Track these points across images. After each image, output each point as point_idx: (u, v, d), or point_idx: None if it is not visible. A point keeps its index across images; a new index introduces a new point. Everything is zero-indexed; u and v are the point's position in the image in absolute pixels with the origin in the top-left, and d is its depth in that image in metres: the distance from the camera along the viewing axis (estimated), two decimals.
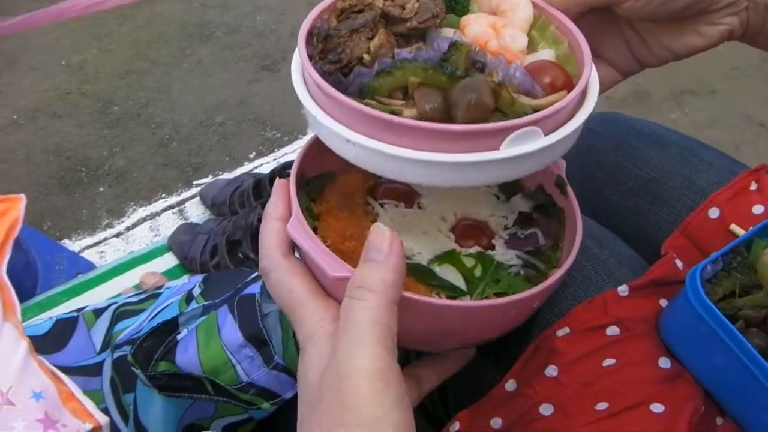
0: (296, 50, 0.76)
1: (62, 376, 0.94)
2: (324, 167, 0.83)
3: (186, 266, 1.86)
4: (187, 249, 1.86)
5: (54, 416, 0.89)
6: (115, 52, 3.00)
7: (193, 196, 2.32)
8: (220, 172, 2.43)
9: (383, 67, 0.71)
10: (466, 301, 0.72)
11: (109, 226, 2.28)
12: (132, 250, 2.14)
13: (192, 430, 1.12)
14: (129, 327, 1.23)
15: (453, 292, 0.73)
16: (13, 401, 0.89)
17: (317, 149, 0.80)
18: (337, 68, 0.72)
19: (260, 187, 2.00)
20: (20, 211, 1.09)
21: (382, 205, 0.80)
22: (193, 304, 1.15)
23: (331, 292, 0.72)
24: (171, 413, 1.08)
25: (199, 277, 1.27)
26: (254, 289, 1.07)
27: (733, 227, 0.96)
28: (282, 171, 2.05)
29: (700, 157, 1.08)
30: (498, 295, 0.73)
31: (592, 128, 1.18)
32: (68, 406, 0.92)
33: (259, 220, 1.83)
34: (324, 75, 0.72)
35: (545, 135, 0.68)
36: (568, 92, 0.72)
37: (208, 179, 2.38)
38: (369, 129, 0.68)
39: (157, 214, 2.31)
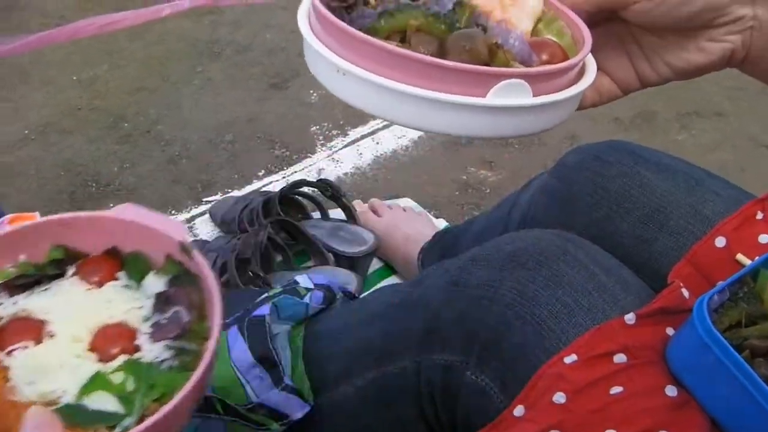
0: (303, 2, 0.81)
1: None
2: None
3: None
4: None
5: None
6: (126, 68, 3.02)
7: (202, 213, 2.33)
8: (230, 190, 2.44)
9: (387, 9, 0.74)
10: None
11: None
12: None
13: None
14: None
15: (112, 420, 0.66)
16: None
17: None
18: (342, 6, 0.76)
19: (270, 206, 2.01)
20: None
21: (11, 353, 0.71)
22: None
23: None
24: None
25: None
26: (264, 310, 1.08)
27: (740, 257, 0.97)
28: (291, 189, 2.07)
29: (707, 187, 1.10)
30: (157, 401, 0.67)
31: (599, 155, 1.19)
32: None
33: (269, 239, 1.85)
34: (329, 9, 0.75)
35: (534, 96, 0.70)
36: None
37: (218, 197, 2.39)
38: (361, 59, 0.71)
39: None
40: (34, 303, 0.75)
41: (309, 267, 1.92)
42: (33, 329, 0.72)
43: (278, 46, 3.19)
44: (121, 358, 0.71)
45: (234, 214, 2.16)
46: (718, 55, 0.87)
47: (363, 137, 2.75)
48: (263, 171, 2.56)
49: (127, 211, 0.79)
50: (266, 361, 1.04)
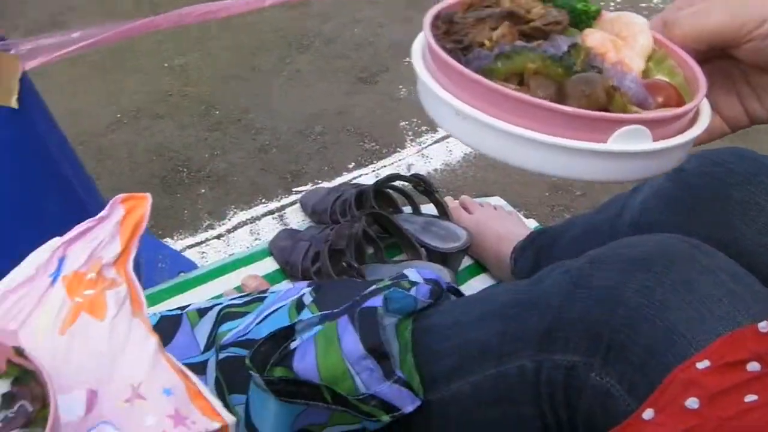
0: (421, 33, 0.78)
1: (189, 373, 0.95)
2: None
3: (287, 271, 1.87)
4: (288, 254, 1.87)
5: (183, 413, 0.90)
6: (217, 57, 3.04)
7: (292, 203, 2.33)
8: (320, 181, 2.44)
9: (503, 51, 0.72)
10: None
11: (210, 227, 2.31)
12: (232, 253, 2.16)
13: None
14: (234, 329, 1.24)
15: None
16: (144, 396, 0.90)
17: None
18: (458, 47, 0.74)
19: (363, 198, 2.00)
20: (146, 209, 1.10)
21: None
22: (306, 312, 1.15)
23: None
24: (284, 417, 1.08)
25: (303, 284, 1.27)
26: (376, 302, 1.07)
27: None
28: (385, 183, 2.06)
29: None
30: None
31: (721, 162, 1.16)
32: (196, 403, 0.92)
33: (364, 231, 1.84)
34: (444, 50, 0.73)
35: (653, 141, 0.69)
36: None
37: (308, 187, 2.39)
38: (479, 102, 0.69)
39: (258, 218, 2.33)
40: None
41: (401, 261, 1.91)
42: None
43: (366, 41, 3.19)
44: None
45: (326, 204, 2.16)
46: None
47: None
48: (353, 164, 2.56)
49: None
50: (377, 352, 1.02)
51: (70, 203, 1.81)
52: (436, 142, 2.69)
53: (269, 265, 1.90)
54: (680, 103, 0.74)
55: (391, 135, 2.68)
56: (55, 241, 1.09)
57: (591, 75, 0.70)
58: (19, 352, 0.85)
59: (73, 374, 0.97)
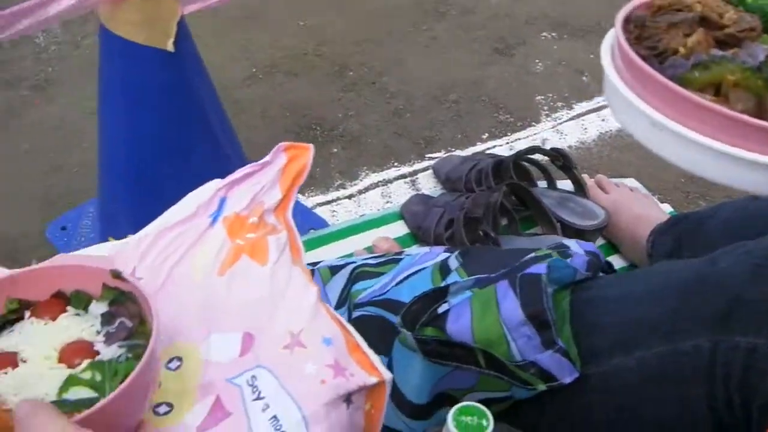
0: (609, 34, 0.79)
1: (348, 325, 0.94)
2: None
3: (418, 236, 1.85)
4: (421, 220, 1.85)
5: (342, 364, 0.88)
6: (352, 19, 3.03)
7: (425, 169, 2.31)
8: (453, 149, 2.42)
9: (701, 60, 0.71)
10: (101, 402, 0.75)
11: (342, 187, 2.31)
12: (363, 213, 2.15)
13: (441, 398, 1.10)
14: (369, 288, 1.22)
15: (90, 403, 0.76)
16: (305, 344, 0.89)
17: None
18: (653, 54, 0.73)
19: (502, 169, 1.97)
20: (308, 159, 1.09)
21: None
22: (454, 276, 1.13)
23: None
24: (428, 378, 1.06)
25: (440, 249, 1.26)
26: (539, 269, 1.04)
27: None
28: (525, 154, 2.02)
29: None
30: (122, 382, 0.77)
31: None
32: (354, 356, 0.91)
33: (501, 202, 1.81)
34: (638, 56, 0.72)
35: None
36: None
37: (441, 154, 2.37)
38: (674, 112, 0.68)
39: (389, 181, 2.31)
40: (3, 343, 0.85)
41: (535, 234, 1.87)
42: (7, 360, 0.83)
43: (502, 12, 3.14)
44: (86, 362, 0.82)
45: (460, 173, 2.13)
46: None
47: (588, 112, 2.67)
48: (487, 134, 2.52)
49: (59, 261, 0.92)
50: (537, 320, 1.00)
51: (214, 152, 1.82)
52: (571, 119, 2.64)
53: (400, 228, 1.88)
54: None
55: (525, 108, 2.64)
56: (216, 182, 1.09)
57: None
58: (116, 274, 0.88)
59: (229, 315, 0.97)
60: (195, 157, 1.77)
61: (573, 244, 1.13)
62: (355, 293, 1.23)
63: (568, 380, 1.00)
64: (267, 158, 1.07)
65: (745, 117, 0.65)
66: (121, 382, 0.79)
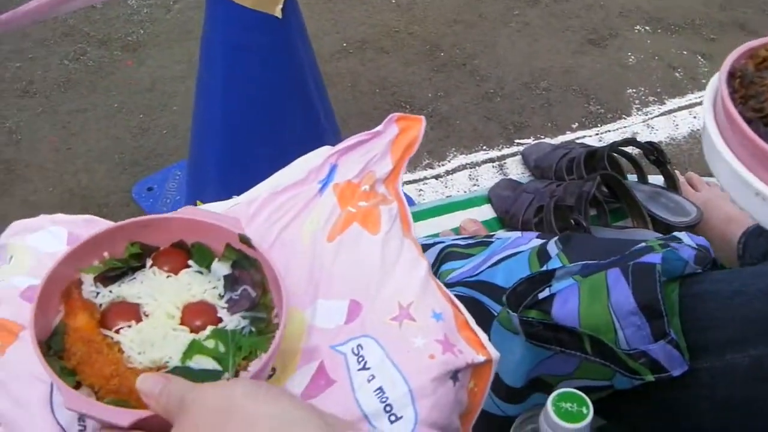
0: (712, 81, 0.76)
1: (458, 302, 0.92)
2: (49, 323, 0.83)
3: (505, 221, 1.83)
4: (509, 204, 1.83)
5: (451, 340, 0.87)
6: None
7: (513, 154, 2.30)
8: (542, 136, 2.39)
9: None
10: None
11: (429, 166, 2.30)
12: (449, 194, 2.14)
13: (536, 383, 1.09)
14: (458, 269, 1.21)
15: (214, 376, 0.79)
16: (414, 317, 0.88)
17: (39, 311, 0.80)
18: (759, 116, 0.71)
19: (595, 158, 1.94)
20: (420, 132, 1.08)
21: (118, 332, 0.81)
22: (555, 262, 1.12)
23: None
24: (527, 361, 1.05)
25: (532, 234, 1.24)
26: (653, 258, 1.02)
27: None
28: (619, 146, 1.98)
29: None
30: (245, 359, 0.80)
31: None
32: (463, 333, 0.89)
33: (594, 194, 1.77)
34: (743, 118, 0.70)
35: None
36: None
37: (530, 140, 2.35)
38: None
39: (477, 164, 2.30)
40: (125, 290, 0.86)
41: (625, 228, 1.84)
42: (131, 311, 0.84)
43: (597, 3, 3.10)
44: (209, 329, 0.83)
45: (551, 161, 2.10)
46: None
47: (680, 109, 2.62)
48: (576, 124, 2.49)
49: (189, 212, 0.92)
50: (649, 310, 0.98)
51: (309, 122, 1.82)
52: (662, 114, 2.59)
53: (486, 211, 1.87)
54: None
55: (617, 101, 2.60)
56: (327, 149, 1.08)
57: None
58: (244, 239, 0.89)
59: (336, 282, 0.96)
60: (290, 126, 1.77)
61: (684, 237, 1.10)
62: (444, 273, 1.22)
63: (677, 373, 0.97)
64: (379, 128, 1.06)
65: None
66: (244, 358, 0.81)
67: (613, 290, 1.00)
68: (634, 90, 2.67)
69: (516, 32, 2.88)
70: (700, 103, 2.65)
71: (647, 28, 2.98)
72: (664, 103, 2.64)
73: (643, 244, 1.08)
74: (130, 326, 0.82)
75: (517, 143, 2.35)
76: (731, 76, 0.75)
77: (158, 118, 2.58)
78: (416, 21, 2.88)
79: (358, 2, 2.96)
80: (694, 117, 2.58)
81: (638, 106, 2.61)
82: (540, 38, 2.86)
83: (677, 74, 2.77)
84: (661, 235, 1.12)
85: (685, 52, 2.87)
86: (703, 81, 2.74)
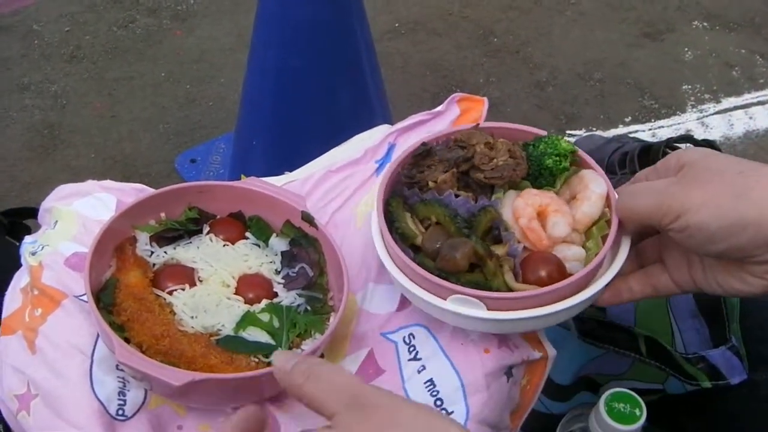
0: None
1: None
2: (101, 277, 0.83)
3: None
4: None
5: (507, 335, 0.84)
6: None
7: None
8: (594, 128, 2.35)
9: (424, 198, 0.81)
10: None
11: None
12: None
13: (584, 381, 1.06)
14: None
15: (267, 349, 0.79)
16: None
17: (94, 260, 0.80)
18: (409, 182, 0.84)
19: (650, 153, 1.90)
20: (482, 113, 1.05)
21: (171, 293, 0.82)
22: None
23: (177, 398, 0.78)
24: (578, 359, 1.03)
25: None
26: None
27: None
28: (675, 142, 1.94)
29: None
30: (299, 336, 0.81)
31: None
32: None
33: None
34: (404, 177, 0.84)
35: (488, 309, 0.76)
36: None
37: (581, 132, 2.30)
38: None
39: None
40: (181, 253, 0.86)
41: None
42: (185, 275, 0.84)
43: None
44: (264, 302, 0.83)
45: (603, 153, 2.05)
46: (759, 289, 0.73)
47: (736, 108, 2.57)
48: (630, 118, 2.45)
49: (253, 183, 0.92)
50: (710, 315, 0.94)
51: (360, 100, 1.79)
52: (717, 112, 2.54)
53: None
54: (560, 277, 0.76)
55: (671, 96, 2.55)
56: (386, 127, 1.05)
57: (462, 242, 0.77)
58: (307, 217, 0.89)
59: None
60: (341, 104, 1.74)
61: None
62: None
63: (736, 381, 0.95)
64: (440, 108, 1.03)
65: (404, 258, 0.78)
66: (298, 336, 0.81)
67: None
68: (689, 86, 2.62)
69: (571, 21, 2.83)
70: (757, 104, 2.59)
71: (705, 24, 2.92)
72: (720, 102, 2.59)
73: None
74: (183, 289, 0.82)
75: (569, 134, 2.31)
76: (424, 143, 0.86)
77: (205, 89, 2.56)
78: (470, 5, 2.84)
79: None
80: (750, 117, 2.53)
81: (693, 103, 2.56)
82: (595, 28, 2.81)
83: (734, 73, 2.71)
84: None
85: (743, 51, 2.80)
86: (761, 81, 2.68)
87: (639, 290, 0.82)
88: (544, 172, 0.83)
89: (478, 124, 0.89)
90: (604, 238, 0.79)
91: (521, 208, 0.79)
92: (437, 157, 0.84)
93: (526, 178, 0.83)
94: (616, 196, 0.79)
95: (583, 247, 0.80)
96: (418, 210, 0.81)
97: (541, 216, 0.80)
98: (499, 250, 0.78)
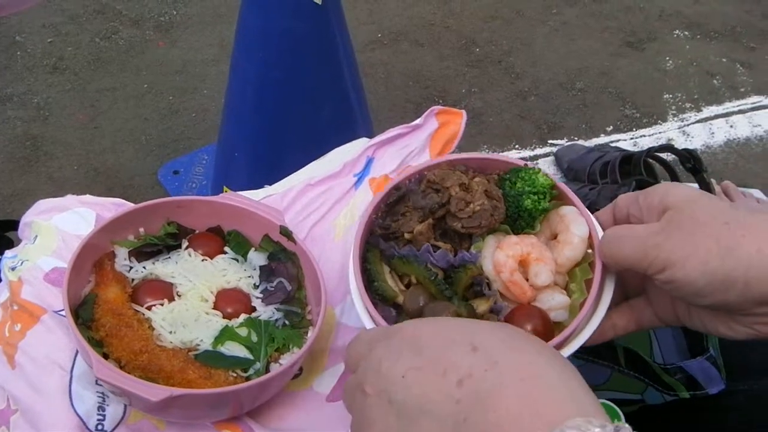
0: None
1: None
2: (80, 292, 0.83)
3: None
4: None
5: None
6: None
7: (546, 154, 2.26)
8: (576, 138, 2.35)
9: (402, 254, 0.78)
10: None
11: None
12: None
13: None
14: None
15: (245, 364, 0.80)
16: None
17: (72, 276, 0.80)
18: (384, 233, 0.80)
19: (631, 163, 1.91)
20: (460, 127, 1.06)
21: (149, 308, 0.82)
22: None
23: (156, 412, 0.79)
24: None
25: None
26: None
27: None
28: (656, 151, 1.95)
29: None
30: (277, 351, 0.82)
31: None
32: None
33: None
34: (378, 227, 0.80)
35: None
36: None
37: (563, 141, 2.31)
38: None
39: None
40: (159, 268, 0.86)
41: None
42: (164, 290, 0.84)
43: (636, 5, 3.05)
44: (243, 317, 0.84)
45: (585, 163, 2.07)
46: (744, 335, 0.73)
47: (716, 117, 2.58)
48: (611, 127, 2.46)
49: (231, 197, 0.92)
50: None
51: (342, 111, 1.79)
52: (698, 121, 2.55)
53: None
54: (546, 334, 0.74)
55: (652, 105, 2.56)
56: (364, 141, 1.06)
57: (442, 306, 0.75)
58: (285, 232, 0.90)
59: None
60: (323, 115, 1.75)
61: None
62: None
63: (714, 391, 0.95)
64: (418, 121, 1.04)
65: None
66: (276, 350, 0.82)
67: None
68: (670, 95, 2.63)
69: (554, 31, 2.84)
70: (738, 112, 2.60)
71: (686, 33, 2.93)
72: (701, 111, 2.60)
73: None
74: (162, 304, 0.83)
75: (551, 144, 2.32)
76: (396, 188, 0.82)
77: (188, 100, 2.56)
78: (453, 15, 2.84)
79: None
80: (731, 126, 2.54)
81: (674, 112, 2.57)
82: (577, 38, 2.82)
83: (715, 81, 2.73)
84: None
85: (724, 60, 2.82)
86: (742, 90, 2.69)
87: (623, 326, 0.81)
88: (522, 213, 0.80)
89: (452, 161, 0.84)
90: (587, 282, 0.77)
91: (502, 262, 0.77)
92: (411, 203, 0.81)
93: (504, 221, 0.80)
94: (599, 235, 0.77)
95: (565, 288, 0.79)
96: (396, 266, 0.79)
97: (522, 263, 0.78)
98: (482, 305, 0.77)
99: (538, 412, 0.50)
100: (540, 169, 0.80)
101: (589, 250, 0.78)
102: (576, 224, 0.79)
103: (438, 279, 0.77)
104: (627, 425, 0.48)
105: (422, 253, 0.77)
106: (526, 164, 0.81)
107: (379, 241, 0.80)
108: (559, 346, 0.75)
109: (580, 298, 0.77)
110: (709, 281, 0.68)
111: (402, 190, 0.81)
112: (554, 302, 0.77)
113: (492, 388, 0.52)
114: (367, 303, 0.76)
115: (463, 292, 0.77)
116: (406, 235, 0.79)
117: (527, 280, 0.77)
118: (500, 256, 0.77)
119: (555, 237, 0.80)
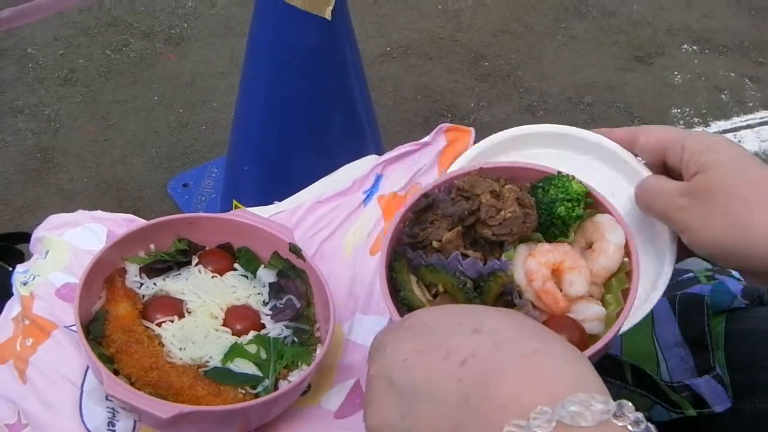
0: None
1: None
2: (90, 308, 0.84)
3: None
4: None
5: None
6: (491, 8, 2.98)
7: None
8: None
9: (429, 263, 0.75)
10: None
11: None
12: None
13: None
14: None
15: (254, 381, 0.80)
16: None
17: (83, 292, 0.81)
18: (412, 242, 0.77)
19: None
20: (469, 143, 1.06)
21: (160, 325, 0.83)
22: None
23: (166, 429, 0.79)
24: None
25: None
26: (701, 290, 0.99)
27: None
28: None
29: None
30: (285, 368, 0.82)
31: None
32: None
33: None
34: (405, 236, 0.78)
35: None
36: None
37: None
38: None
39: None
40: (170, 285, 0.87)
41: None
42: (174, 306, 0.85)
43: (645, 19, 3.05)
44: (252, 334, 0.84)
45: None
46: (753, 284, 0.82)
47: (725, 131, 2.58)
48: None
49: (241, 214, 0.94)
50: (695, 343, 0.95)
51: (352, 125, 1.80)
52: None
53: None
54: (582, 344, 0.71)
55: (660, 120, 2.57)
56: (373, 158, 1.06)
57: None
58: (294, 249, 0.91)
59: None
60: (332, 130, 1.75)
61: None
62: None
63: (719, 409, 0.94)
64: (427, 138, 1.04)
65: None
66: (285, 367, 0.83)
67: (658, 320, 0.97)
68: (678, 110, 2.64)
69: (562, 45, 2.85)
70: (746, 127, 2.61)
71: (695, 47, 2.93)
72: (709, 126, 2.60)
73: (691, 274, 1.05)
74: (172, 321, 0.83)
75: None
76: (425, 195, 0.79)
77: (198, 113, 2.57)
78: (462, 29, 2.85)
79: (404, 7, 2.94)
80: (739, 140, 2.54)
81: (682, 126, 2.57)
82: (586, 52, 2.82)
83: (723, 96, 2.73)
84: (709, 265, 1.08)
85: (732, 74, 2.82)
86: (750, 104, 2.70)
87: None
88: (556, 221, 0.77)
89: (482, 168, 0.80)
90: (624, 292, 0.75)
91: (534, 270, 0.74)
92: (440, 211, 0.78)
93: (536, 229, 0.77)
94: (635, 246, 0.76)
95: (601, 299, 0.77)
96: (423, 275, 0.76)
97: (556, 273, 0.75)
98: None
99: (540, 387, 0.51)
100: (574, 177, 0.78)
101: (626, 259, 0.76)
102: (611, 232, 0.76)
103: (467, 287, 0.74)
104: (629, 403, 0.49)
105: (451, 261, 0.75)
106: (559, 172, 0.78)
107: (407, 249, 0.77)
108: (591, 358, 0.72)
109: (617, 309, 0.75)
110: (721, 251, 0.73)
111: (430, 198, 0.79)
112: (589, 313, 0.75)
113: (496, 366, 0.53)
114: (394, 313, 0.73)
115: (493, 301, 0.74)
116: (435, 244, 0.77)
117: (561, 290, 0.75)
118: (532, 263, 0.75)
119: (590, 246, 0.78)
